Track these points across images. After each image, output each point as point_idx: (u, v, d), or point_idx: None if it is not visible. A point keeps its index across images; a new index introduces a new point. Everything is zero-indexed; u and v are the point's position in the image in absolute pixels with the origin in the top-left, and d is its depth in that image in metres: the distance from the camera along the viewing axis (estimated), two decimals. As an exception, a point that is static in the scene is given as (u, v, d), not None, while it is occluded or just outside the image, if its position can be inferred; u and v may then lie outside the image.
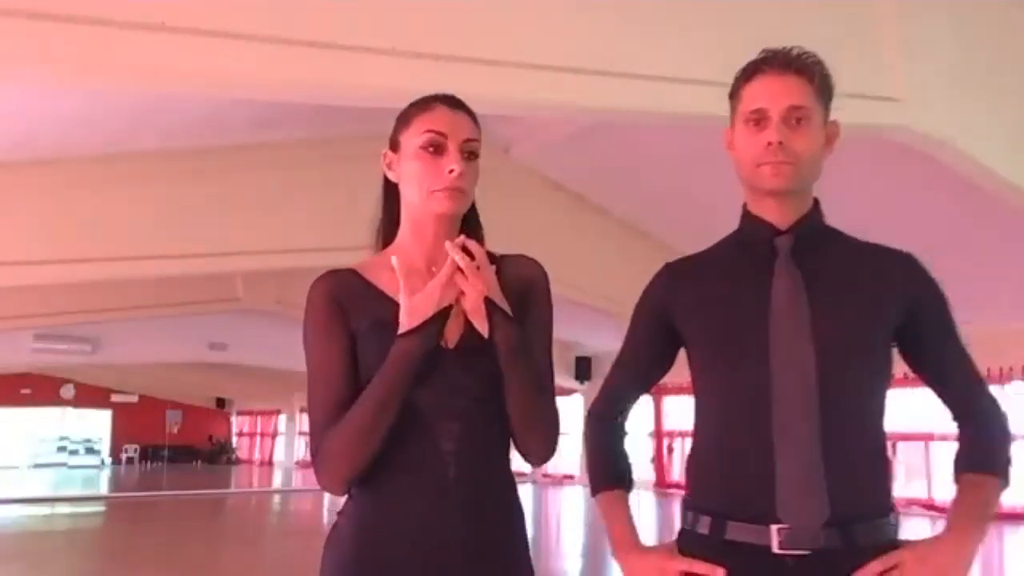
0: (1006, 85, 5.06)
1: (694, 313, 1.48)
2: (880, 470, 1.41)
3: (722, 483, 1.41)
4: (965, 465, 1.45)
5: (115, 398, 25.81)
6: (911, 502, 11.29)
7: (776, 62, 1.42)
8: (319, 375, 1.39)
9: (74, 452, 25.51)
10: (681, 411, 14.46)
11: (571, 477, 16.98)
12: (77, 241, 7.26)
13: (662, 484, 14.81)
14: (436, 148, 1.39)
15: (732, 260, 1.50)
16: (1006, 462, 1.44)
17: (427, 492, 1.35)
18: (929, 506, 11.25)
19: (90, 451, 25.84)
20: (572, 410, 17.63)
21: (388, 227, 1.50)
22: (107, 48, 3.18)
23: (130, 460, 25.79)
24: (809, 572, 1.31)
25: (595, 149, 7.96)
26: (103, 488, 19.09)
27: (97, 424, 26.00)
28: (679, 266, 1.57)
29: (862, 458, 1.37)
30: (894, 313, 1.42)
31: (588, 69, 3.80)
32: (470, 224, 1.48)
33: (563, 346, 16.30)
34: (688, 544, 1.43)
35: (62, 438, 25.41)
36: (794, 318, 1.38)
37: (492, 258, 1.44)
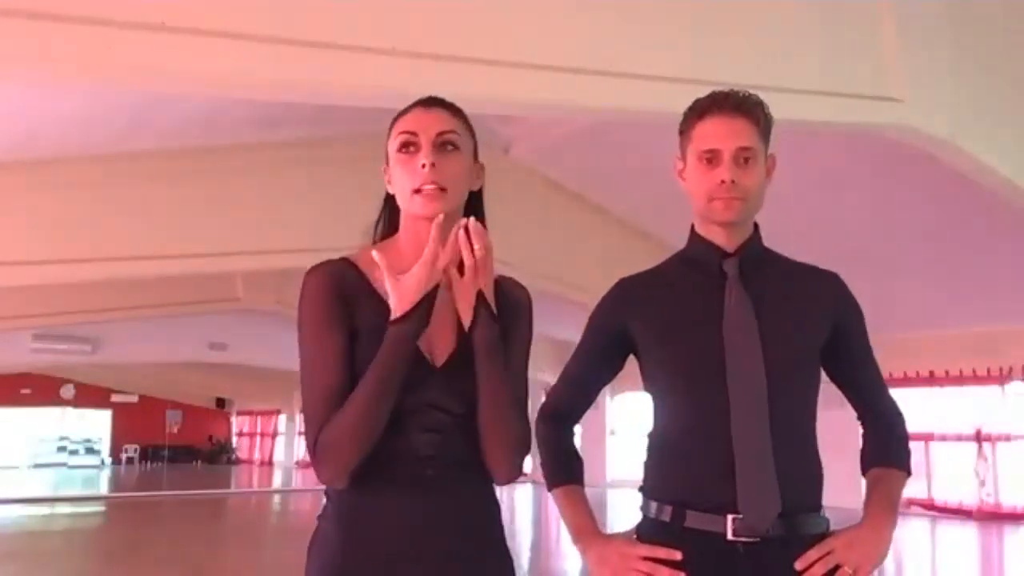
0: (1006, 85, 5.06)
1: (652, 328, 1.63)
2: (816, 470, 1.60)
3: (684, 478, 1.57)
4: (875, 460, 1.65)
5: (115, 398, 25.81)
6: (911, 502, 11.28)
7: (727, 105, 1.56)
8: (317, 364, 1.37)
9: (74, 452, 25.51)
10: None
11: (571, 477, 16.97)
12: (77, 241, 7.26)
13: (662, 484, 14.78)
14: (410, 148, 1.40)
15: (684, 278, 1.66)
16: (907, 456, 1.66)
17: (405, 493, 1.37)
18: (929, 506, 11.25)
19: (90, 451, 25.84)
20: (572, 410, 17.70)
21: (386, 229, 1.51)
22: (107, 48, 3.18)
23: (130, 460, 25.79)
24: (756, 557, 1.49)
25: (595, 149, 7.97)
26: (103, 488, 19.09)
27: (97, 424, 26.00)
28: (633, 281, 1.71)
29: (804, 459, 1.57)
30: (825, 330, 1.61)
31: (588, 69, 3.80)
32: (475, 216, 1.47)
33: (562, 346, 16.27)
34: (647, 530, 1.59)
35: (62, 438, 25.41)
36: (746, 338, 1.55)
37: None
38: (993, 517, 10.56)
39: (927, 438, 11.53)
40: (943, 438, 11.39)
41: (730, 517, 1.49)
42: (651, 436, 1.67)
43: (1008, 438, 10.92)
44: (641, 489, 1.66)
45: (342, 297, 1.39)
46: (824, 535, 1.55)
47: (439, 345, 1.40)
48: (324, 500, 1.44)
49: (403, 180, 1.39)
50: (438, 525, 1.37)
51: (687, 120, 1.61)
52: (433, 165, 1.37)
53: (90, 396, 25.05)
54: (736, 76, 4.06)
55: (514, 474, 1.44)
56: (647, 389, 1.68)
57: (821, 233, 7.49)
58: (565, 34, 3.82)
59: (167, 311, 11.78)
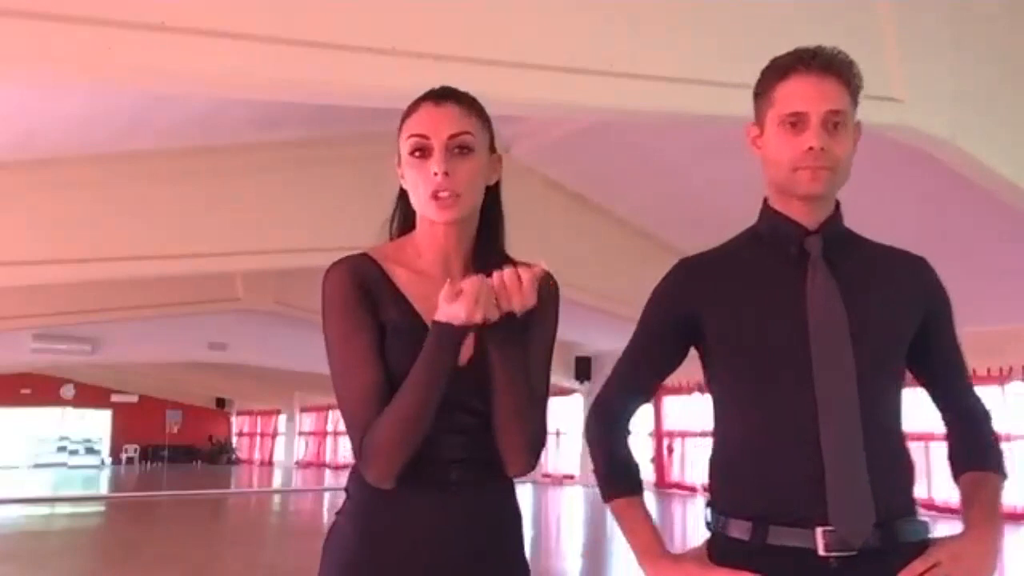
0: (1006, 85, 5.06)
1: (723, 314, 1.44)
2: (909, 470, 1.44)
3: (763, 488, 1.38)
4: (970, 464, 1.48)
5: (115, 398, 25.82)
6: (911, 502, 11.26)
7: (816, 63, 1.39)
8: (350, 363, 1.33)
9: (74, 452, 25.53)
10: (681, 411, 14.47)
11: (571, 477, 16.97)
12: (77, 241, 7.26)
13: (662, 484, 14.83)
14: (422, 152, 1.35)
15: (757, 258, 1.47)
16: (1002, 458, 1.50)
17: (428, 494, 1.35)
18: (929, 506, 11.23)
19: (90, 451, 25.85)
20: (572, 410, 17.66)
21: (402, 232, 1.47)
22: (107, 48, 3.18)
23: (130, 460, 25.80)
24: (852, 572, 1.33)
25: (595, 149, 7.96)
26: (103, 488, 19.09)
27: (97, 424, 26.02)
28: (698, 263, 1.52)
29: (896, 459, 1.41)
30: (916, 319, 1.45)
31: (588, 69, 3.80)
32: (491, 224, 1.45)
33: (563, 346, 16.29)
34: (721, 550, 1.40)
35: (62, 438, 25.43)
36: (833, 324, 1.37)
37: (510, 264, 1.40)
38: (1010, 518, 10.56)
39: (927, 438, 11.46)
40: (944, 438, 11.36)
41: (820, 530, 1.32)
42: (718, 443, 1.49)
43: (1008, 438, 10.91)
44: (709, 504, 1.47)
45: (366, 292, 1.36)
46: (924, 543, 1.38)
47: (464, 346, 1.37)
48: (345, 496, 1.43)
49: (417, 185, 1.36)
50: (458, 531, 1.35)
51: (766, 80, 1.44)
52: (446, 174, 1.33)
53: (90, 396, 25.06)
54: (736, 76, 4.06)
55: (528, 470, 1.41)
56: (712, 387, 1.50)
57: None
58: (565, 34, 3.82)
59: (167, 311, 11.77)
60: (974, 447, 1.50)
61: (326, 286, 1.37)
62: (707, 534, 1.47)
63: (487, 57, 3.62)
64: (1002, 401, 10.97)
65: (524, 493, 14.96)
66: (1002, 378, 10.87)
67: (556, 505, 14.53)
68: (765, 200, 1.49)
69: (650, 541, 1.44)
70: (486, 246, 1.44)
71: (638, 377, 1.57)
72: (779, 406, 1.38)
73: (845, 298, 1.39)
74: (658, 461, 15.13)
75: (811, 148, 1.36)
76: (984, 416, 1.53)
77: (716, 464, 1.48)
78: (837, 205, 1.47)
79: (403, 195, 1.46)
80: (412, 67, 3.46)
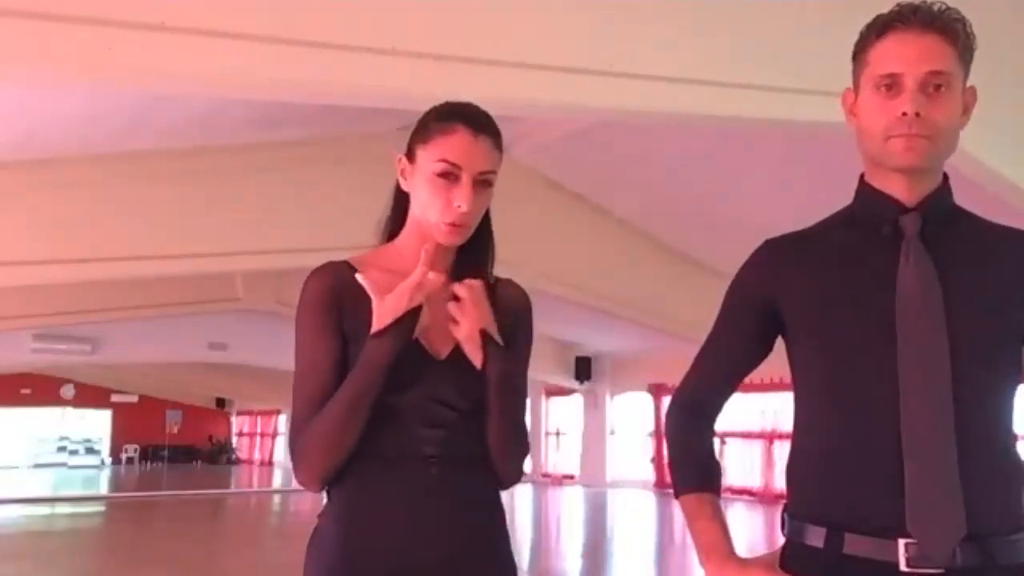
0: (1007, 85, 5.06)
1: (804, 299, 1.32)
2: (1015, 479, 1.26)
3: (840, 491, 1.25)
4: None
5: (115, 398, 25.82)
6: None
7: (916, 19, 1.24)
8: (307, 369, 1.39)
9: (74, 452, 25.52)
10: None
11: (571, 477, 16.96)
12: (77, 241, 7.26)
13: (661, 484, 14.83)
14: (449, 178, 1.37)
15: (848, 240, 1.32)
16: None
17: (409, 492, 1.36)
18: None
19: (90, 451, 25.85)
20: (571, 410, 17.67)
21: (395, 227, 1.50)
22: (107, 48, 3.18)
23: (130, 460, 25.80)
24: None
25: (595, 149, 7.96)
26: (103, 488, 19.08)
27: (97, 424, 26.02)
28: (783, 244, 1.38)
29: (997, 466, 1.24)
30: None
31: (588, 69, 3.79)
32: (480, 242, 1.48)
33: (563, 346, 16.30)
34: (795, 557, 1.29)
35: (62, 438, 25.43)
36: (925, 310, 1.23)
37: (487, 283, 1.45)
38: None
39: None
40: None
41: (902, 542, 1.18)
42: (796, 442, 1.36)
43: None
44: (785, 508, 1.36)
45: (337, 303, 1.40)
46: None
47: (441, 339, 1.40)
48: (325, 498, 1.44)
49: (431, 205, 1.38)
50: (440, 528, 1.36)
51: (863, 40, 1.30)
52: (469, 211, 1.37)
53: (90, 396, 25.05)
54: (736, 76, 4.07)
55: (516, 481, 1.48)
56: (795, 381, 1.36)
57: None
58: (565, 34, 3.82)
59: (167, 311, 11.77)
60: None
61: (302, 291, 1.41)
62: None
63: (487, 57, 3.62)
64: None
65: (524, 493, 14.96)
66: (1002, 378, 10.87)
67: (556, 505, 14.53)
68: (861, 176, 1.35)
69: (717, 540, 1.32)
70: (470, 261, 1.47)
71: (718, 367, 1.44)
72: (860, 401, 1.25)
73: (943, 279, 1.24)
74: (658, 461, 15.12)
75: (904, 114, 1.22)
76: None
77: (793, 465, 1.36)
78: (945, 178, 1.33)
79: (398, 196, 1.47)
80: (412, 67, 3.46)
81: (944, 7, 1.25)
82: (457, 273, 1.46)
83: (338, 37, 3.42)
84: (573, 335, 15.28)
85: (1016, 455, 1.28)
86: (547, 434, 17.92)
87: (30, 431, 24.60)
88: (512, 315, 1.48)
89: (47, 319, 11.83)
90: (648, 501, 13.90)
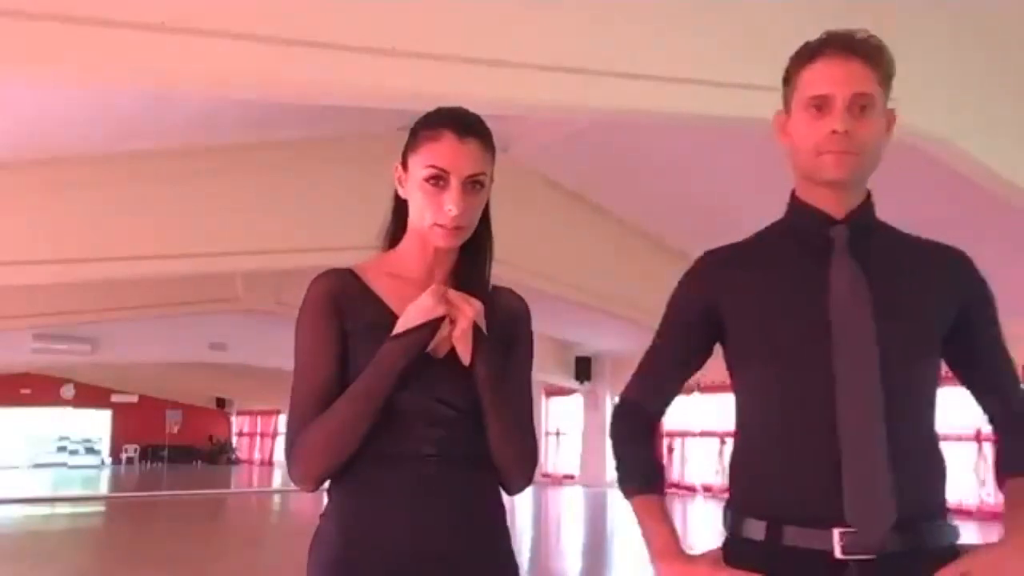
0: (1005, 85, 5.06)
1: (743, 306, 1.40)
2: (939, 471, 1.37)
3: (779, 486, 1.33)
4: (1014, 468, 1.42)
5: (115, 398, 25.81)
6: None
7: (842, 45, 1.36)
8: (305, 369, 1.40)
9: (74, 452, 25.52)
10: (681, 411, 14.47)
11: (571, 477, 16.97)
12: (77, 241, 7.25)
13: (662, 484, 14.79)
14: (438, 183, 1.39)
15: (782, 250, 1.42)
16: None
17: (408, 492, 1.37)
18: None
19: (90, 451, 25.85)
20: (571, 410, 17.68)
21: (396, 233, 1.51)
22: (107, 48, 3.18)
23: (130, 460, 25.79)
24: None
25: (595, 149, 7.96)
26: (103, 488, 19.08)
27: (97, 424, 26.01)
28: (721, 255, 1.47)
29: (924, 458, 1.35)
30: (949, 312, 1.38)
31: (588, 69, 3.80)
32: (480, 236, 1.48)
33: (563, 346, 16.31)
34: (736, 551, 1.36)
35: (62, 438, 25.42)
36: (856, 315, 1.31)
37: (486, 297, 1.46)
38: (993, 517, 10.55)
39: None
40: (943, 438, 11.24)
41: (837, 531, 1.26)
42: (738, 438, 1.45)
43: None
44: (727, 504, 1.43)
45: (338, 307, 1.41)
46: (953, 547, 1.32)
47: (440, 337, 1.40)
48: (326, 499, 1.44)
49: (425, 211, 1.40)
50: (439, 527, 1.36)
51: (793, 66, 1.40)
52: (461, 213, 1.38)
53: (90, 396, 25.04)
54: (736, 76, 4.07)
55: (525, 486, 1.48)
56: (734, 382, 1.45)
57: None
58: (565, 34, 3.82)
59: (167, 311, 11.77)
60: (1021, 452, 1.42)
61: (305, 295, 1.43)
62: (715, 534, 1.45)
63: (487, 57, 3.62)
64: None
65: (524, 493, 14.96)
66: (1002, 378, 10.88)
67: (556, 505, 14.53)
68: (793, 191, 1.45)
69: (666, 541, 1.38)
70: (470, 264, 1.49)
71: (661, 372, 1.51)
72: (798, 400, 1.33)
73: (871, 288, 1.33)
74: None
75: (834, 131, 1.32)
76: None
77: (734, 461, 1.43)
78: (868, 194, 1.42)
79: (398, 204, 1.49)
80: (412, 67, 3.46)
81: (867, 35, 1.37)
82: (458, 274, 1.47)
83: (338, 37, 3.42)
84: (573, 335, 15.28)
85: (939, 448, 1.39)
86: (547, 434, 17.94)
87: (30, 431, 24.59)
88: (511, 322, 1.49)
89: (47, 319, 11.82)
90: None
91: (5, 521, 12.15)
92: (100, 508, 14.81)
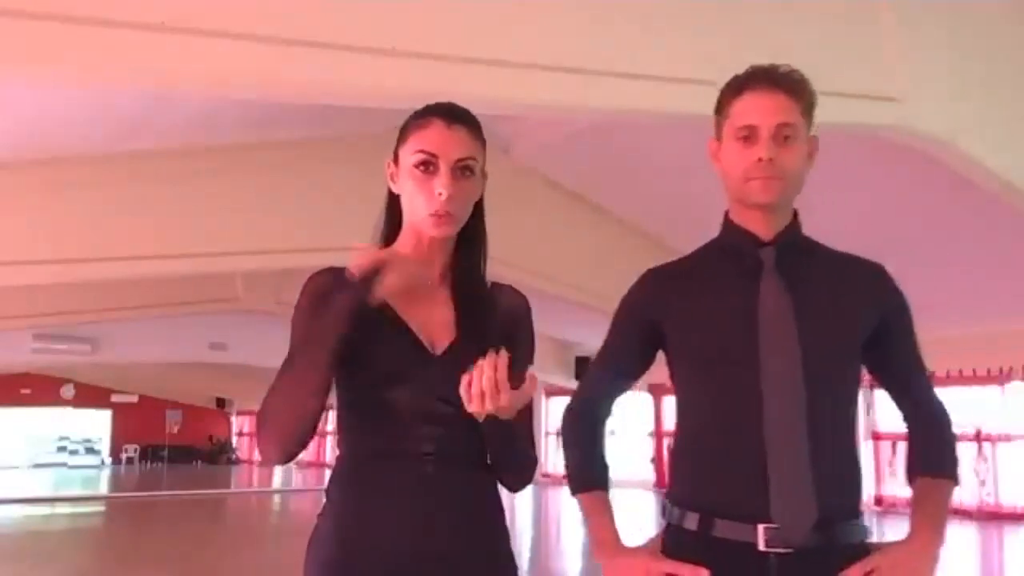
0: (1005, 85, 5.06)
1: (683, 320, 1.53)
2: (856, 473, 1.50)
3: (712, 483, 1.46)
4: (922, 468, 1.54)
5: (115, 398, 25.80)
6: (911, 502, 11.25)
7: (765, 79, 1.48)
8: (292, 351, 1.41)
9: (74, 452, 25.51)
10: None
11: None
12: (77, 241, 7.25)
13: (662, 484, 14.82)
14: (428, 168, 1.39)
15: (717, 269, 1.55)
16: (956, 464, 1.55)
17: (407, 491, 1.36)
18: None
19: (90, 451, 25.83)
20: (572, 410, 17.63)
21: (390, 233, 1.51)
22: (107, 48, 3.18)
23: (130, 460, 25.78)
24: (791, 569, 1.39)
25: (595, 149, 7.96)
26: (103, 488, 19.08)
27: (97, 424, 26.00)
28: (664, 272, 1.62)
29: (842, 462, 1.47)
30: (868, 323, 1.51)
31: (588, 69, 3.79)
32: (474, 231, 1.49)
33: (562, 346, 16.30)
34: (673, 539, 1.49)
35: (62, 438, 25.41)
36: (782, 330, 1.45)
37: (484, 291, 1.48)
38: (993, 517, 10.56)
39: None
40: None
41: (762, 527, 1.39)
42: (676, 438, 1.59)
43: (1008, 438, 10.92)
44: (666, 495, 1.56)
45: (329, 296, 1.40)
46: (863, 544, 1.45)
47: (438, 333, 1.41)
48: (324, 498, 1.44)
49: (416, 198, 1.40)
50: (437, 526, 1.36)
51: (723, 97, 1.53)
52: (451, 196, 1.38)
53: (90, 396, 25.04)
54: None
55: (524, 487, 1.50)
56: (674, 385, 1.58)
57: (820, 234, 7.47)
58: (565, 34, 3.82)
59: (167, 311, 11.77)
60: (930, 452, 1.55)
61: (302, 288, 1.45)
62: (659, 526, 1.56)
63: (487, 57, 3.62)
64: (1002, 401, 10.97)
65: (524, 493, 14.98)
66: (1002, 378, 10.88)
67: (556, 505, 14.53)
68: (727, 212, 1.58)
69: (609, 536, 1.52)
70: (466, 258, 1.49)
71: (608, 379, 1.67)
72: (728, 404, 1.46)
73: (796, 305, 1.46)
74: (658, 461, 15.12)
75: (760, 159, 1.44)
76: (944, 420, 1.58)
77: (673, 457, 1.58)
78: (795, 214, 1.55)
79: (391, 201, 1.49)
80: (412, 67, 3.46)
81: (789, 69, 1.49)
82: (455, 268, 1.47)
83: (338, 37, 3.42)
84: (573, 335, 15.28)
85: (856, 452, 1.52)
86: (547, 434, 17.95)
87: (30, 431, 24.58)
88: (512, 321, 1.49)
89: (47, 319, 11.82)
90: (648, 501, 13.90)
91: (5, 521, 12.15)
92: (100, 508, 14.81)
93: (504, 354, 1.27)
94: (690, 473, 1.52)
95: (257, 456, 27.19)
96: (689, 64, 3.94)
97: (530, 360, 1.52)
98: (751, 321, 1.46)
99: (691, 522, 1.46)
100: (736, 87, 1.50)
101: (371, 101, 3.91)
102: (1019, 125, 5.10)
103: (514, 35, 3.73)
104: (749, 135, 1.46)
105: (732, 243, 1.55)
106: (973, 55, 4.87)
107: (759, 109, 1.46)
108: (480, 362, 1.27)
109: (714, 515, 1.43)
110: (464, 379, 1.27)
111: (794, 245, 1.53)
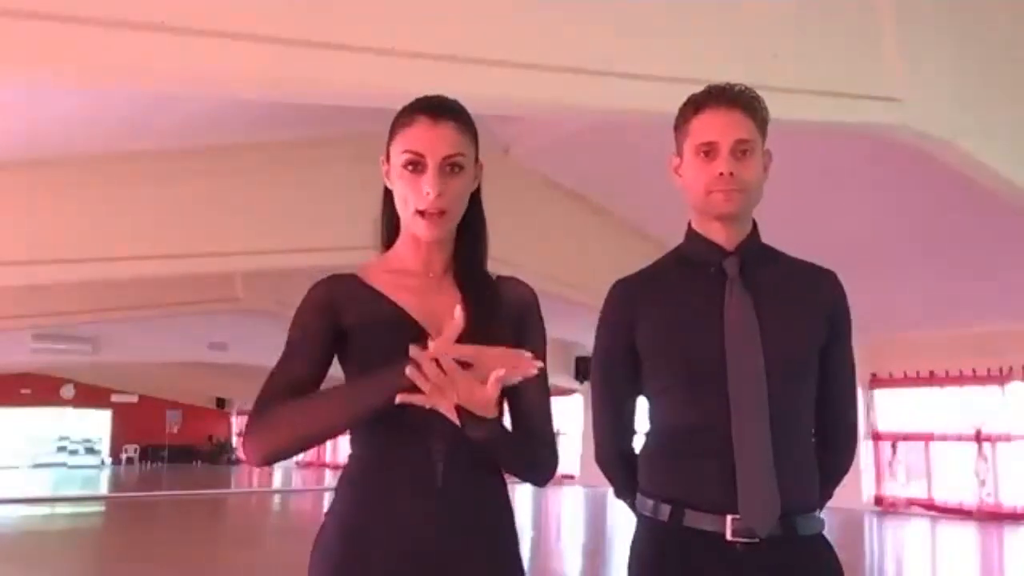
0: (1006, 85, 5.06)
1: (652, 328, 1.61)
2: (814, 471, 1.60)
3: (684, 478, 1.56)
4: (823, 479, 1.63)
5: (115, 398, 25.80)
6: (911, 502, 11.27)
7: (724, 98, 1.56)
8: (287, 352, 1.41)
9: (74, 452, 25.51)
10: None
11: (571, 477, 16.96)
12: (77, 241, 7.25)
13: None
14: (416, 167, 1.38)
15: (683, 278, 1.64)
16: (841, 478, 1.68)
17: (414, 492, 1.35)
18: (929, 506, 11.24)
19: (90, 451, 25.83)
20: (572, 410, 17.66)
21: (389, 230, 1.51)
22: (107, 48, 3.18)
23: (130, 460, 25.78)
24: (755, 556, 1.49)
25: (595, 149, 7.96)
26: (103, 488, 19.08)
27: (97, 424, 25.99)
28: (630, 281, 1.69)
29: (802, 459, 1.57)
30: (825, 328, 1.60)
31: (588, 69, 3.80)
32: (473, 220, 1.48)
33: (563, 346, 16.30)
34: (646, 528, 1.61)
35: (62, 438, 25.41)
36: (746, 337, 1.54)
37: (489, 280, 1.46)
38: (993, 517, 10.56)
39: (927, 438, 11.51)
40: (943, 438, 11.38)
41: (730, 518, 1.49)
42: (649, 437, 1.67)
43: (1008, 438, 10.91)
44: (639, 489, 1.65)
45: (332, 304, 1.42)
46: (821, 535, 1.58)
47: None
48: (333, 496, 1.44)
49: (406, 196, 1.39)
50: (444, 527, 1.35)
51: (683, 115, 1.61)
52: (440, 195, 1.36)
53: (90, 396, 25.03)
54: (736, 76, 4.05)
55: (545, 484, 1.50)
56: (645, 390, 1.67)
57: (820, 233, 7.48)
58: (565, 34, 3.82)
59: (167, 311, 11.77)
60: (835, 466, 1.66)
61: (305, 295, 1.45)
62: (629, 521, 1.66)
63: (487, 57, 3.62)
64: (1002, 401, 10.97)
65: (524, 493, 14.96)
66: (1002, 378, 10.87)
67: (556, 505, 14.53)
68: (689, 223, 1.66)
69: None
70: (467, 253, 1.48)
71: (620, 412, 1.73)
72: (698, 407, 1.55)
73: (759, 311, 1.55)
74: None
75: (721, 173, 1.53)
76: (853, 436, 1.70)
77: (645, 455, 1.66)
78: (755, 225, 1.64)
79: (388, 197, 1.49)
80: (412, 67, 3.46)
81: (744, 88, 1.58)
82: (456, 263, 1.47)
83: (338, 37, 3.42)
84: (573, 335, 15.26)
85: (812, 452, 1.61)
86: (547, 434, 17.93)
87: (30, 431, 24.58)
88: (519, 313, 1.47)
89: (47, 319, 11.82)
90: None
91: (5, 521, 12.15)
92: (100, 508, 14.81)
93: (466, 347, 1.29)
94: (662, 470, 1.61)
95: (257, 456, 27.24)
96: (689, 64, 3.94)
97: (543, 351, 1.48)
98: (717, 327, 1.55)
99: (663, 513, 1.56)
100: (695, 105, 1.59)
101: (371, 101, 3.90)
102: (1019, 125, 5.10)
103: (514, 35, 3.74)
104: (710, 150, 1.55)
105: (697, 252, 1.63)
106: (973, 55, 4.87)
107: (718, 126, 1.55)
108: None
109: (685, 507, 1.53)
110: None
111: (756, 254, 1.62)
